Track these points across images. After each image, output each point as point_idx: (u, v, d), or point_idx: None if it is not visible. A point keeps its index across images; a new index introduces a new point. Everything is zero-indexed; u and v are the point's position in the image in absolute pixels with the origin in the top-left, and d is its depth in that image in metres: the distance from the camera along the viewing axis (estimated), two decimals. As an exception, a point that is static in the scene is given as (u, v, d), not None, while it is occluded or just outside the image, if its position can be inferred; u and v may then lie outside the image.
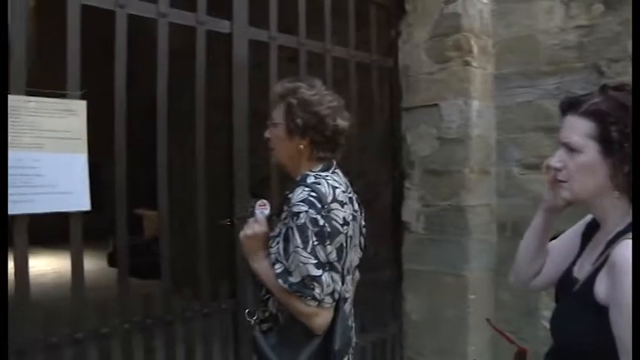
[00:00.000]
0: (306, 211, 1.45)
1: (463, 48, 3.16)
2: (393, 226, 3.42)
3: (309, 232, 1.44)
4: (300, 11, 2.78)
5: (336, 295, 1.49)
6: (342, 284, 1.57)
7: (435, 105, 3.25)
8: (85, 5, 2.01)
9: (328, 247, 1.46)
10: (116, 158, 2.09)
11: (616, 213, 1.19)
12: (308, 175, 1.58)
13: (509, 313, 3.20)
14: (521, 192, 3.23)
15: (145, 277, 4.51)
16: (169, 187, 2.26)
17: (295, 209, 1.47)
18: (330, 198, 1.52)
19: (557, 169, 1.24)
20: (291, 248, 1.46)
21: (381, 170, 3.39)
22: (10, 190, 1.70)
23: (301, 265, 1.44)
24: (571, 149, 1.20)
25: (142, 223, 7.73)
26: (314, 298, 1.44)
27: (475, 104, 3.17)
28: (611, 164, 1.15)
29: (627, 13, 2.89)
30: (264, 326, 1.61)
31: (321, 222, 1.46)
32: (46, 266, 8.17)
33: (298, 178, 1.59)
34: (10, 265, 1.83)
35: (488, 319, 2.09)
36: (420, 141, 3.33)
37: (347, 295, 1.64)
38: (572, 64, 3.06)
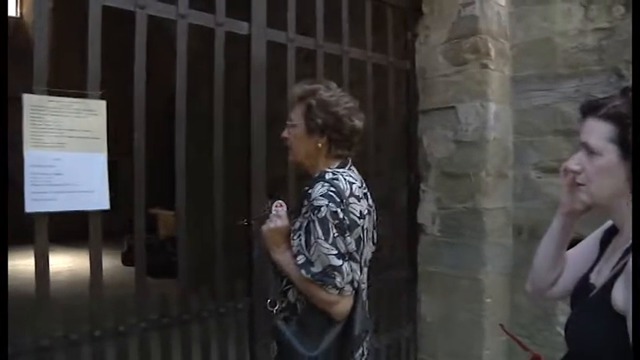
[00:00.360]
0: (327, 205, 1.54)
1: (480, 50, 3.14)
2: (409, 228, 3.42)
3: (330, 225, 1.53)
4: (317, 13, 2.79)
5: (355, 284, 1.58)
6: (361, 275, 1.67)
7: (452, 107, 3.24)
8: (105, 6, 2.03)
9: (347, 238, 1.55)
10: (135, 158, 2.10)
11: None
12: (326, 171, 1.66)
13: (525, 317, 3.18)
14: (538, 195, 3.21)
15: (159, 277, 4.54)
16: (187, 187, 2.28)
17: (316, 203, 1.55)
18: (347, 193, 1.61)
19: (576, 172, 1.22)
20: (313, 240, 1.54)
21: (397, 172, 3.38)
22: (31, 189, 1.74)
23: (323, 255, 1.52)
24: (590, 152, 1.19)
25: (156, 222, 7.78)
26: (335, 287, 1.52)
27: (492, 107, 3.15)
28: (630, 167, 1.13)
29: (648, 15, 2.86)
30: (282, 315, 1.68)
31: (341, 215, 1.55)
32: (61, 264, 8.26)
33: (317, 175, 1.68)
34: (31, 262, 1.86)
35: (501, 325, 2.08)
36: (436, 143, 3.32)
37: (363, 286, 1.72)
38: (591, 67, 3.03)
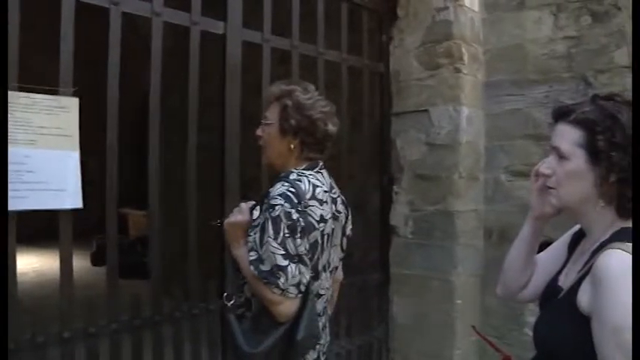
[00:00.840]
0: (282, 205, 1.53)
1: (454, 55, 3.19)
2: (382, 230, 3.44)
3: (282, 225, 1.52)
4: (293, 14, 2.79)
5: (302, 287, 1.55)
6: (317, 280, 1.66)
7: (425, 111, 3.28)
8: (79, 2, 2.00)
9: (298, 240, 1.53)
10: (107, 157, 2.07)
11: (601, 222, 1.20)
12: (292, 172, 1.66)
13: (495, 318, 3.23)
14: (508, 198, 3.27)
15: (129, 277, 4.47)
16: (159, 187, 2.25)
17: (272, 202, 1.55)
18: (308, 195, 1.60)
19: (547, 176, 1.25)
20: (265, 238, 1.53)
21: (370, 174, 3.40)
22: None
23: (271, 254, 1.52)
24: (560, 156, 1.22)
25: (127, 222, 7.68)
26: (278, 287, 1.51)
27: (465, 111, 3.20)
28: (598, 173, 1.16)
29: (614, 25, 2.95)
30: (240, 311, 1.68)
31: (295, 216, 1.53)
32: (26, 265, 8.07)
33: (282, 175, 1.67)
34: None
35: (473, 326, 2.11)
36: (409, 146, 3.36)
37: (322, 292, 1.71)
38: (560, 74, 3.11)
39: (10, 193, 1.70)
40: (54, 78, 1.94)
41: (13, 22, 1.83)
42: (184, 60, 2.36)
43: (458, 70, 3.19)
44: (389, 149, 3.43)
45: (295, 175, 1.64)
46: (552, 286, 1.29)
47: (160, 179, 2.25)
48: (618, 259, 1.07)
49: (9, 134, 1.74)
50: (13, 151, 1.74)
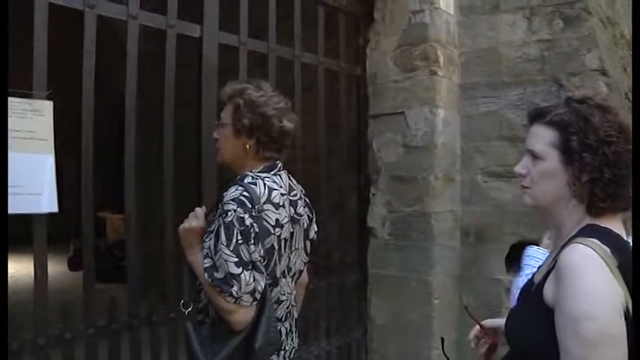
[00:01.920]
0: (235, 210, 1.50)
1: (430, 57, 3.22)
2: (359, 232, 3.46)
3: (235, 231, 1.48)
4: (270, 17, 2.80)
5: (257, 295, 1.52)
6: (276, 286, 1.63)
7: (401, 113, 3.31)
8: (52, 4, 1.98)
9: (252, 246, 1.50)
10: (83, 160, 2.05)
11: (572, 220, 1.23)
12: (247, 175, 1.62)
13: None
14: (485, 199, 3.31)
15: (106, 282, 4.42)
16: (136, 190, 2.24)
17: (225, 207, 1.51)
18: (263, 199, 1.56)
19: (522, 175, 1.29)
20: (218, 245, 1.49)
21: (347, 176, 3.42)
22: (-28, 191, 1.66)
23: (224, 262, 1.48)
24: (535, 157, 1.25)
25: (104, 226, 7.59)
26: (231, 295, 1.48)
27: (441, 113, 3.24)
28: (571, 173, 1.19)
29: (585, 29, 3.01)
30: (199, 317, 1.66)
31: (248, 222, 1.50)
32: (2, 270, 7.93)
33: (237, 178, 1.63)
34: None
35: (466, 307, 2.14)
36: (386, 148, 3.38)
37: (283, 298, 1.68)
38: (534, 77, 3.16)
39: (-18, 198, 1.69)
40: (27, 81, 1.92)
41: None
42: (160, 63, 2.35)
43: (434, 73, 3.23)
44: (366, 151, 3.45)
45: (250, 178, 1.60)
46: (529, 283, 1.32)
47: (137, 182, 2.23)
48: (579, 252, 1.11)
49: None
50: (-15, 155, 1.72)
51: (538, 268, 1.36)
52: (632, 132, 1.20)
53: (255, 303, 1.52)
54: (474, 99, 3.38)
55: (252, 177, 1.60)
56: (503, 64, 3.27)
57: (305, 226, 1.74)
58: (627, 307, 1.07)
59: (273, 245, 1.58)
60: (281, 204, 1.61)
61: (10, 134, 1.78)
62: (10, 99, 1.81)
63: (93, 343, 2.07)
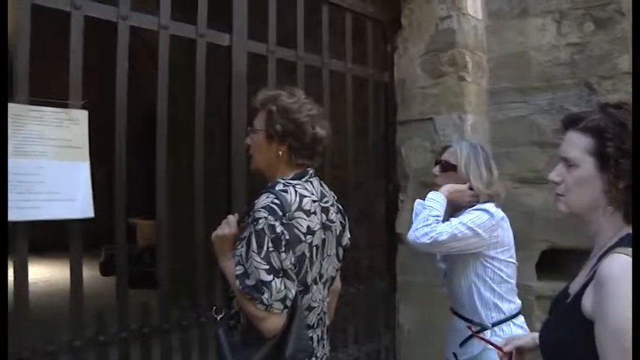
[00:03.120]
0: (265, 217, 1.49)
1: (458, 63, 3.21)
2: (388, 238, 3.45)
3: (266, 238, 1.48)
4: (298, 25, 2.83)
5: (288, 302, 1.51)
6: (307, 293, 1.62)
7: (430, 119, 3.30)
8: (87, 17, 2.04)
9: (283, 254, 1.49)
10: (116, 167, 2.10)
11: (609, 228, 1.21)
12: (278, 182, 1.62)
13: (502, 325, 3.22)
14: (514, 205, 3.26)
15: (138, 287, 4.50)
16: (167, 197, 2.28)
17: (256, 215, 1.51)
18: (294, 206, 1.55)
19: (555, 183, 1.27)
20: (249, 252, 1.50)
21: (376, 182, 3.42)
22: (13, 197, 1.73)
23: (255, 269, 1.48)
24: (569, 164, 1.23)
25: (135, 232, 7.71)
26: (262, 302, 1.47)
27: (469, 118, 3.22)
28: (607, 179, 1.17)
29: (617, 31, 2.96)
30: (231, 323, 1.66)
31: (279, 229, 1.49)
32: (37, 275, 8.12)
33: (268, 185, 1.63)
34: (10, 272, 1.85)
35: (469, 327, 2.14)
36: (414, 154, 3.37)
37: (314, 305, 1.66)
38: (564, 81, 3.13)
39: (22, 204, 1.75)
40: (64, 91, 1.98)
41: (25, 38, 1.88)
42: (191, 71, 2.40)
43: (462, 78, 3.21)
44: (394, 157, 3.45)
45: (281, 185, 1.59)
46: (563, 293, 1.30)
47: (168, 189, 2.27)
48: (621, 263, 1.08)
49: (21, 147, 1.78)
50: (25, 162, 1.78)
51: (574, 277, 1.34)
52: (632, 132, 1.16)
53: (285, 310, 1.51)
54: (502, 104, 3.35)
55: (284, 184, 1.60)
56: (533, 69, 3.24)
57: (337, 233, 1.73)
58: None
59: (304, 252, 1.57)
60: (312, 211, 1.61)
61: (47, 143, 1.85)
62: (47, 109, 1.88)
63: (125, 347, 2.12)
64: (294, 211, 1.55)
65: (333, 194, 1.80)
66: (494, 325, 2.16)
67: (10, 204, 1.72)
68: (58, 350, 1.92)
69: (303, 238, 1.56)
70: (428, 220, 2.12)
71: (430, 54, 3.31)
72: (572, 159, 1.23)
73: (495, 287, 2.18)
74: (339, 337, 3.01)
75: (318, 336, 1.69)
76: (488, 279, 2.18)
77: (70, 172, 1.89)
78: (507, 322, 2.18)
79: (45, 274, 8.21)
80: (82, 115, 1.97)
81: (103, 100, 2.64)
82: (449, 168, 2.29)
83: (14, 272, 1.84)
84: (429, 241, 2.08)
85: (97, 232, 3.77)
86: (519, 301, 2.29)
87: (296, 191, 1.59)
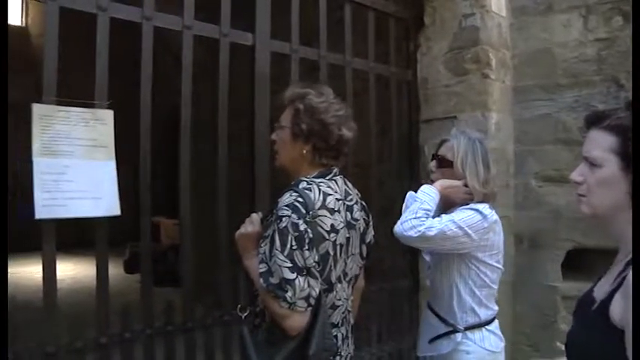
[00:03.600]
0: (289, 216, 1.49)
1: (481, 61, 3.18)
2: (411, 237, 3.42)
3: (289, 237, 1.48)
4: (320, 24, 2.82)
5: (312, 300, 1.51)
6: (331, 292, 1.62)
7: (453, 117, 3.27)
8: (112, 18, 2.07)
9: (306, 252, 1.49)
10: (141, 166, 2.12)
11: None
12: (301, 180, 1.61)
13: (527, 325, 3.19)
14: (539, 204, 3.24)
15: (161, 285, 4.56)
16: (191, 195, 2.30)
17: (280, 213, 1.51)
18: (318, 204, 1.55)
19: (577, 183, 1.23)
20: (273, 250, 1.50)
21: (399, 181, 3.40)
22: (41, 196, 1.76)
23: (278, 267, 1.48)
24: (592, 163, 1.19)
25: (158, 231, 7.80)
26: (285, 301, 1.47)
27: (493, 117, 3.18)
28: (631, 180, 1.13)
29: (647, 26, 2.90)
30: (255, 321, 1.67)
31: (302, 227, 1.49)
32: (63, 272, 8.26)
33: (292, 183, 1.63)
34: (33, 269, 1.89)
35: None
36: (437, 153, 3.34)
37: (338, 304, 1.66)
38: (590, 78, 3.07)
39: (50, 202, 1.78)
40: (90, 92, 2.01)
41: (52, 39, 1.91)
42: (214, 71, 2.41)
43: (486, 76, 3.18)
44: (417, 156, 3.42)
45: (305, 183, 1.59)
46: (588, 297, 1.26)
47: (191, 188, 2.29)
48: None
49: (49, 146, 1.81)
50: (53, 161, 1.82)
51: (597, 281, 1.30)
52: (632, 130, 1.12)
53: (309, 308, 1.51)
54: (527, 102, 3.31)
55: (307, 182, 1.60)
56: (558, 66, 3.20)
57: (361, 231, 1.73)
58: None
59: (328, 251, 1.57)
60: (336, 209, 1.60)
61: (74, 142, 1.88)
62: (74, 109, 1.91)
63: (150, 344, 2.14)
64: (318, 210, 1.55)
65: (357, 192, 1.79)
66: (466, 328, 2.13)
67: (37, 202, 1.76)
68: (84, 346, 1.96)
69: (326, 236, 1.56)
70: (417, 213, 2.04)
71: (453, 52, 3.28)
72: (595, 158, 1.19)
73: (476, 291, 2.13)
74: (363, 336, 3.00)
75: (342, 335, 1.68)
76: (470, 281, 2.13)
77: (96, 171, 1.92)
78: (480, 328, 2.14)
79: (70, 271, 8.36)
80: (108, 115, 2.00)
81: (126, 100, 2.67)
82: (445, 164, 2.21)
83: (43, 269, 1.88)
84: (415, 235, 1.99)
85: (121, 230, 3.82)
86: (497, 307, 2.25)
87: (320, 189, 1.59)
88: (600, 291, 1.22)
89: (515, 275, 3.26)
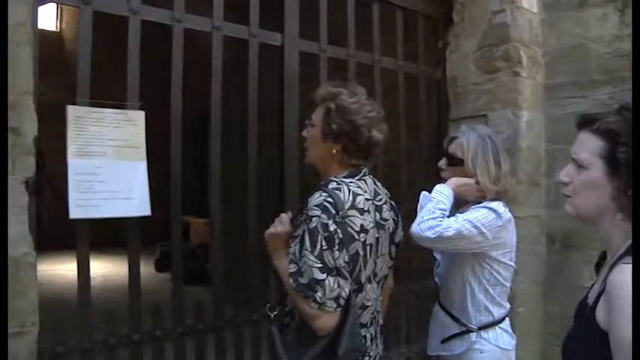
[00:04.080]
0: (319, 216, 1.49)
1: (512, 58, 3.13)
2: (440, 237, 3.39)
3: (319, 237, 1.48)
4: (349, 23, 2.82)
5: (341, 301, 1.51)
6: (361, 292, 1.61)
7: (484, 116, 3.23)
8: (144, 20, 2.10)
9: (336, 252, 1.49)
10: (172, 166, 2.15)
11: (618, 235, 1.17)
12: (331, 180, 1.61)
13: (558, 327, 3.13)
14: (571, 204, 3.17)
15: (191, 283, 4.61)
16: (221, 195, 2.32)
17: (310, 213, 1.52)
18: (348, 204, 1.55)
19: (564, 184, 1.24)
20: (303, 251, 1.50)
21: (428, 180, 3.37)
22: (75, 196, 1.80)
23: (308, 267, 1.48)
24: (579, 165, 1.20)
25: (188, 230, 7.90)
26: (315, 301, 1.48)
27: (524, 115, 3.13)
28: (616, 185, 1.14)
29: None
30: (285, 320, 1.67)
31: (332, 228, 1.49)
32: (95, 270, 8.42)
33: (322, 183, 1.63)
34: (73, 267, 1.93)
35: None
36: (467, 151, 3.31)
37: (368, 304, 1.66)
38: (626, 73, 2.99)
39: (83, 202, 1.82)
40: (121, 93, 2.04)
41: (86, 43, 1.95)
42: (243, 72, 2.43)
43: (516, 74, 3.13)
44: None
45: (335, 183, 1.59)
46: (583, 302, 1.27)
47: (221, 188, 2.31)
48: (627, 276, 1.05)
49: (82, 147, 1.85)
50: (86, 162, 1.85)
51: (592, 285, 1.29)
52: (632, 131, 1.11)
53: (339, 309, 1.51)
54: (559, 99, 3.24)
55: (337, 182, 1.60)
56: (592, 62, 3.12)
57: (391, 231, 1.72)
58: None
59: (357, 251, 1.57)
60: (366, 209, 1.60)
61: (107, 143, 1.91)
62: (106, 110, 1.94)
63: (181, 342, 2.16)
64: (348, 210, 1.54)
65: (387, 192, 1.78)
66: (480, 328, 2.10)
67: (71, 202, 1.80)
68: (117, 343, 1.99)
69: (356, 236, 1.56)
70: (434, 213, 2.01)
71: (483, 49, 3.24)
72: (581, 160, 1.19)
73: (490, 289, 2.11)
74: (391, 336, 2.99)
75: (371, 335, 1.68)
76: (484, 280, 2.11)
77: (128, 172, 1.95)
78: (494, 326, 2.12)
79: (102, 269, 8.51)
80: (139, 116, 2.03)
81: (156, 101, 2.70)
82: (455, 162, 2.19)
83: (77, 267, 1.92)
84: (433, 236, 1.96)
85: (151, 229, 3.88)
86: (509, 305, 2.22)
87: (349, 189, 1.59)
88: (592, 295, 1.23)
89: (547, 276, 3.21)
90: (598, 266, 2.95)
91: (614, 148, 1.14)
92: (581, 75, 3.16)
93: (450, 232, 1.96)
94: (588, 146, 1.19)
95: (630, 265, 1.06)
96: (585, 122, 1.23)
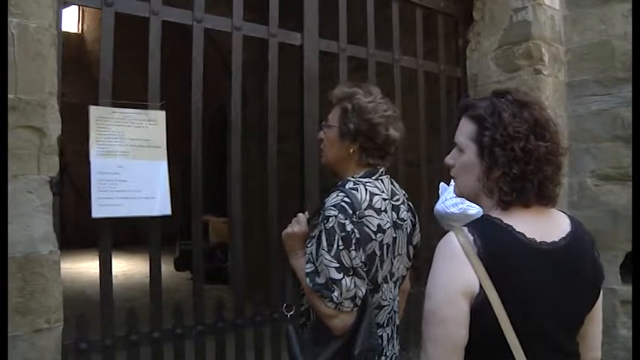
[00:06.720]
0: (336, 216, 1.50)
1: (534, 56, 3.09)
2: (460, 237, 3.36)
3: (336, 237, 1.48)
4: (368, 22, 2.81)
5: (358, 301, 1.51)
6: (377, 292, 1.61)
7: (505, 114, 3.19)
8: (165, 21, 2.11)
9: (353, 252, 1.49)
10: (192, 166, 2.16)
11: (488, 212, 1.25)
12: (348, 180, 1.61)
13: (583, 329, 3.08)
14: (595, 204, 3.12)
15: (210, 282, 4.64)
16: (241, 195, 2.32)
17: (327, 213, 1.52)
18: (365, 204, 1.55)
19: (450, 166, 1.32)
20: (319, 250, 1.50)
21: (449, 180, 3.34)
22: (97, 195, 1.83)
23: (325, 267, 1.48)
24: (459, 149, 1.28)
25: (207, 229, 7.94)
26: (332, 301, 1.48)
27: (546, 113, 3.09)
28: (484, 167, 1.21)
29: None
30: (301, 320, 1.67)
31: (349, 227, 1.49)
32: (116, 268, 8.51)
33: (338, 183, 1.63)
34: (95, 265, 1.95)
35: None
36: (488, 151, 3.27)
37: (384, 304, 1.65)
38: (652, 71, 2.94)
39: (105, 202, 1.84)
40: (142, 93, 2.06)
41: (108, 44, 1.97)
42: (263, 71, 2.43)
43: (538, 72, 3.09)
44: (467, 154, 3.36)
45: (352, 183, 1.59)
46: None
47: (241, 187, 2.32)
48: (446, 239, 1.17)
49: (105, 147, 1.87)
50: (108, 162, 1.88)
51: None
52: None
53: (355, 309, 1.51)
54: (582, 97, 3.20)
55: (354, 182, 1.60)
56: (616, 59, 3.07)
57: (408, 231, 1.72)
58: (481, 292, 1.11)
59: (374, 251, 1.57)
60: (383, 209, 1.60)
61: (128, 142, 1.93)
62: (128, 110, 1.96)
63: (201, 340, 2.18)
64: (365, 210, 1.54)
65: (404, 192, 1.78)
66: None
67: (94, 202, 1.82)
68: (139, 340, 2.01)
69: (373, 236, 1.56)
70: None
71: (504, 47, 3.20)
72: (459, 144, 1.28)
73: None
74: (410, 336, 2.97)
75: (387, 335, 1.68)
76: None
77: (149, 171, 1.97)
78: None
79: (123, 267, 8.62)
80: (160, 116, 2.04)
81: (175, 100, 2.72)
82: None
83: (99, 265, 1.94)
84: (458, 212, 2.03)
85: (170, 228, 3.93)
86: None
87: (366, 189, 1.59)
88: None
89: (570, 277, 3.16)
90: (623, 268, 2.92)
91: (482, 131, 1.21)
92: (605, 72, 3.11)
93: (474, 211, 1.97)
94: (464, 131, 1.27)
95: (451, 233, 1.18)
96: (464, 108, 1.31)
